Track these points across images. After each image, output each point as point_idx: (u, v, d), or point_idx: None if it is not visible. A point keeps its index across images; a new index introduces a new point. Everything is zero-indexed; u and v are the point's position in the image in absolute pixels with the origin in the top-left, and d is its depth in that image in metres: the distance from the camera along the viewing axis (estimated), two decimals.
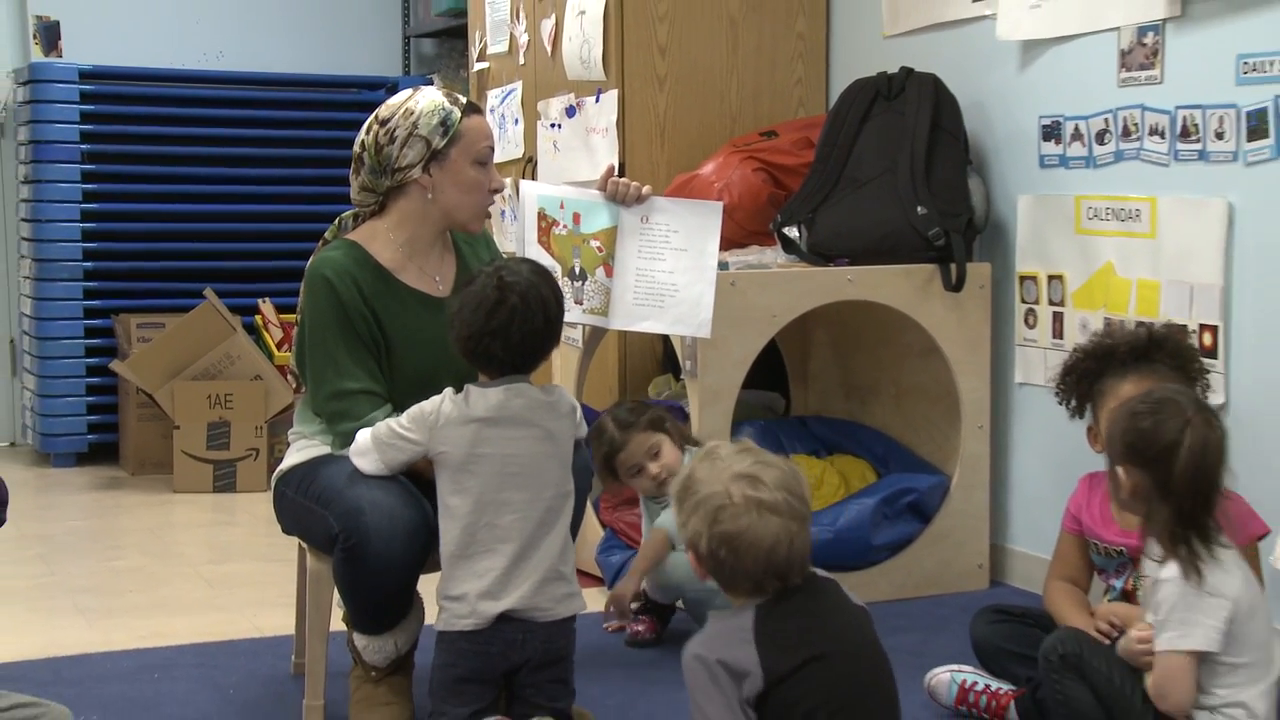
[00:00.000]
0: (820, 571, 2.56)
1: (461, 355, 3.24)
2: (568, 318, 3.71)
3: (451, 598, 3.19)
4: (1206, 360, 3.72)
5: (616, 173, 4.03)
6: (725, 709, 2.39)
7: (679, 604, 4.21)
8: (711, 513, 2.44)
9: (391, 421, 3.30)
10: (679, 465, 3.97)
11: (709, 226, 3.93)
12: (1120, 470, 2.90)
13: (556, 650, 3.23)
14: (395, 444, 3.27)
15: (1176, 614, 2.80)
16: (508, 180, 4.14)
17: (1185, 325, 4.04)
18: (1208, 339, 3.98)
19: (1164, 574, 2.84)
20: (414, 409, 3.27)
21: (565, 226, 3.86)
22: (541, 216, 3.85)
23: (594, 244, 3.87)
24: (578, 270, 3.86)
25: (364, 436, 3.34)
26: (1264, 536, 3.38)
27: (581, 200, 3.90)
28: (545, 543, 3.21)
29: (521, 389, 3.23)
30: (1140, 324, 3.52)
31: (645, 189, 3.90)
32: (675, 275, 3.93)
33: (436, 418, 3.22)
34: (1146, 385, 3.24)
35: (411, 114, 3.50)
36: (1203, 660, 2.80)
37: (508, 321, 3.16)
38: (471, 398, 3.21)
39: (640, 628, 4.17)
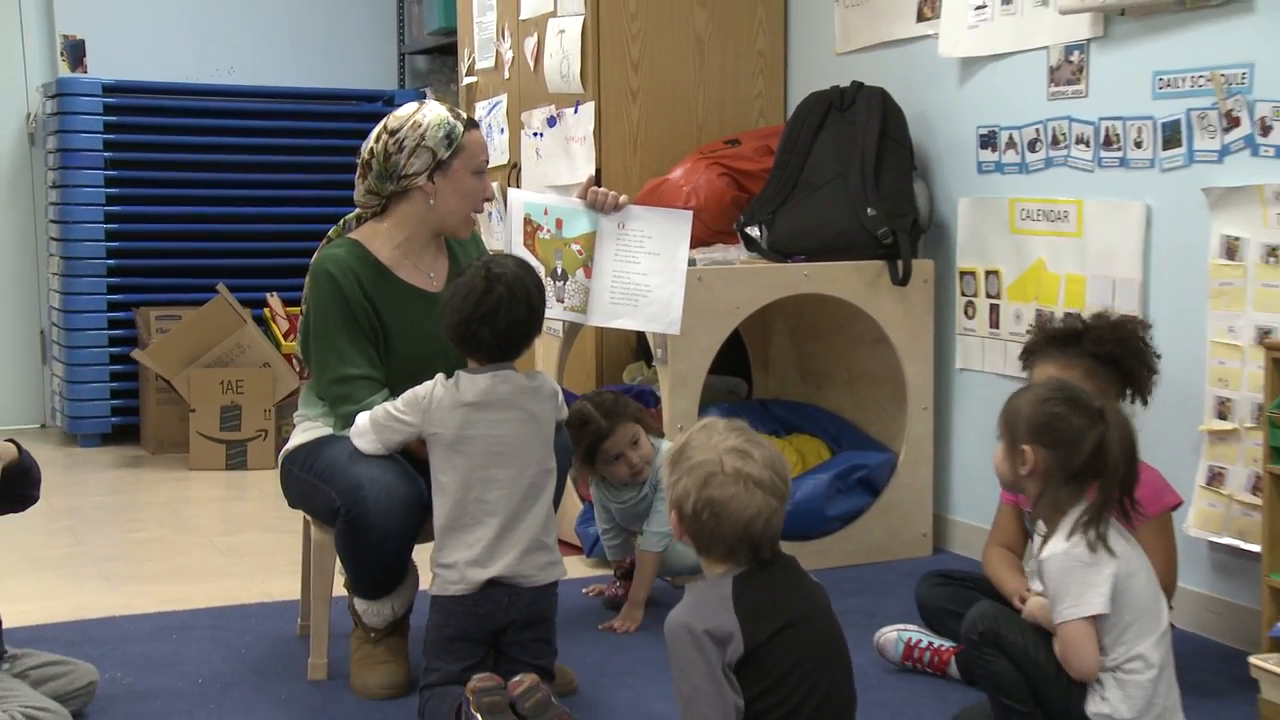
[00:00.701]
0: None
1: (451, 341, 3.24)
2: (550, 314, 3.73)
3: (444, 565, 3.20)
4: None
5: (596, 182, 4.04)
6: (708, 675, 2.38)
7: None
8: (703, 478, 2.43)
9: (388, 405, 3.31)
10: (652, 456, 4.00)
11: (680, 233, 3.93)
12: (1027, 448, 2.86)
13: (540, 612, 3.24)
14: (391, 425, 3.29)
15: (1067, 585, 2.78)
16: (495, 185, 4.15)
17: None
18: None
19: (1051, 549, 2.81)
20: (408, 394, 3.28)
21: (549, 231, 3.86)
22: (527, 221, 3.85)
23: (575, 247, 3.87)
24: (559, 271, 3.86)
25: (363, 419, 3.35)
26: (1177, 507, 3.41)
27: (564, 207, 3.90)
28: (529, 515, 3.22)
29: (507, 375, 3.24)
30: (1098, 315, 3.52)
31: (622, 198, 3.90)
32: (648, 277, 3.93)
33: (429, 402, 3.23)
34: (1067, 373, 3.26)
35: (419, 126, 3.50)
36: (1098, 623, 2.80)
37: (494, 309, 3.16)
38: (461, 383, 3.22)
39: (619, 591, 4.18)
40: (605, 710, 3.29)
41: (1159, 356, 3.44)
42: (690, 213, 4.02)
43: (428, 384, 3.25)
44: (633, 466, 3.98)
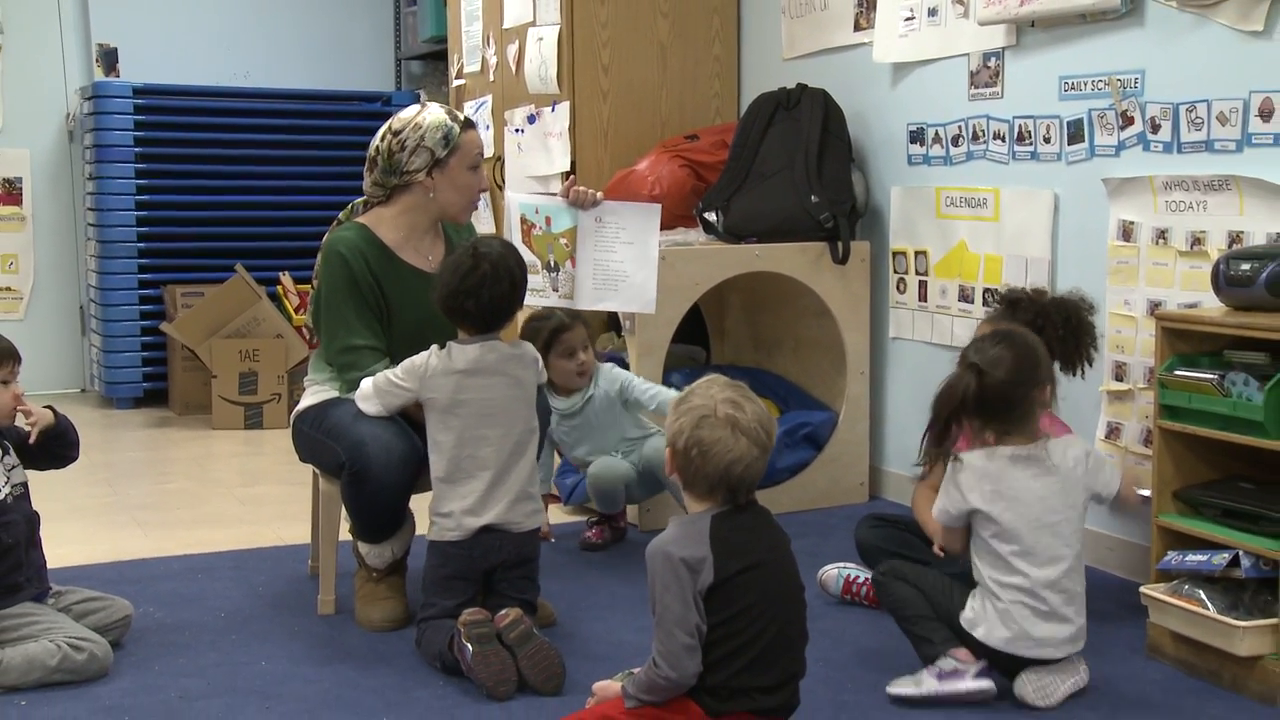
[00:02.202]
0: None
1: (442, 312, 3.25)
2: (545, 302, 3.77)
3: (441, 514, 3.22)
4: None
5: (575, 179, 4.05)
6: (679, 598, 2.40)
7: (624, 513, 4.27)
8: (696, 419, 2.45)
9: (389, 373, 3.32)
10: (594, 367, 4.07)
11: (650, 225, 3.95)
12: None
13: (525, 554, 3.26)
14: (392, 391, 3.30)
15: (948, 486, 2.95)
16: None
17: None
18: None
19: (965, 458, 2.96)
20: (406, 362, 3.28)
21: (540, 228, 3.87)
22: (523, 220, 3.85)
23: (562, 241, 3.88)
24: (552, 264, 3.86)
25: (366, 385, 3.35)
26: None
27: (550, 205, 3.89)
28: (516, 469, 3.23)
29: (494, 345, 3.24)
30: (1036, 290, 3.55)
31: (599, 195, 3.92)
32: (625, 264, 3.93)
33: (425, 369, 3.24)
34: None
35: (420, 128, 3.50)
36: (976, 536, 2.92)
37: (479, 284, 3.17)
38: (454, 353, 3.23)
39: (591, 534, 4.21)
40: (581, 640, 3.31)
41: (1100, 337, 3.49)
42: (659, 206, 4.04)
43: (423, 354, 3.26)
44: (581, 365, 4.02)
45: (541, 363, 3.40)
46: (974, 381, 2.87)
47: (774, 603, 2.47)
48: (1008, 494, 2.88)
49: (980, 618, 2.89)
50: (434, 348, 3.26)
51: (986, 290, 4.21)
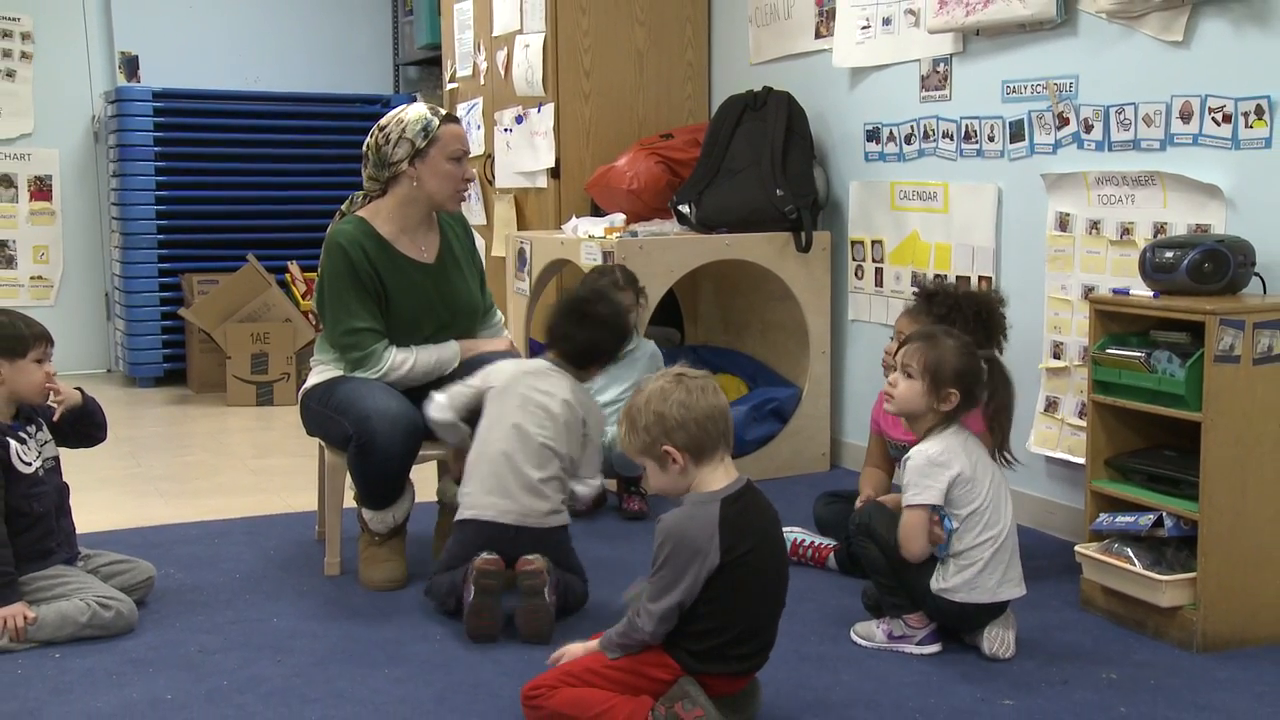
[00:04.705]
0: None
1: (543, 337, 3.31)
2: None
3: (466, 493, 3.18)
4: None
5: (555, 171, 4.01)
6: (681, 575, 2.36)
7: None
8: (659, 403, 2.42)
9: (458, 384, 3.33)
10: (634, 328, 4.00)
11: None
12: (953, 391, 2.87)
13: (549, 549, 3.12)
14: (461, 391, 3.30)
15: (914, 478, 2.86)
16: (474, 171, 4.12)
17: (970, 278, 4.12)
18: (984, 286, 4.04)
19: (915, 450, 2.90)
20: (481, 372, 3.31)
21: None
22: None
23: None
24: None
25: (441, 398, 3.30)
26: None
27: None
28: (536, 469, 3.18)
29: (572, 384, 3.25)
30: (951, 284, 3.53)
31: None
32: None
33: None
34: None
35: (402, 123, 3.49)
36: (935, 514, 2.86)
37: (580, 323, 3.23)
38: (537, 366, 3.28)
39: (634, 505, 4.15)
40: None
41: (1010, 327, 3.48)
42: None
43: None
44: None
45: (604, 423, 3.36)
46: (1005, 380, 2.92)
47: (765, 583, 2.44)
48: (973, 455, 2.90)
49: (961, 584, 2.86)
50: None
51: (936, 276, 4.23)
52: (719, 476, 2.44)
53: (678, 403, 2.41)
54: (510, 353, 3.65)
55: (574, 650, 2.55)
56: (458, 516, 3.18)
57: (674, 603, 2.38)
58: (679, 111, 5.44)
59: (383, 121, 3.53)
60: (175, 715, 2.62)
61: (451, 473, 3.49)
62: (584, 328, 3.24)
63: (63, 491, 3.19)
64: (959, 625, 2.94)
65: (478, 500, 3.12)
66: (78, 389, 3.22)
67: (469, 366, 3.51)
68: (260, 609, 3.28)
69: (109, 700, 2.70)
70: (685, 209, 4.75)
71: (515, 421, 3.14)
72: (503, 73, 5.56)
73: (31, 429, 3.12)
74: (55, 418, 3.16)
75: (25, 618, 2.95)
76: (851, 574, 3.44)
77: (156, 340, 6.93)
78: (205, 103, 7.08)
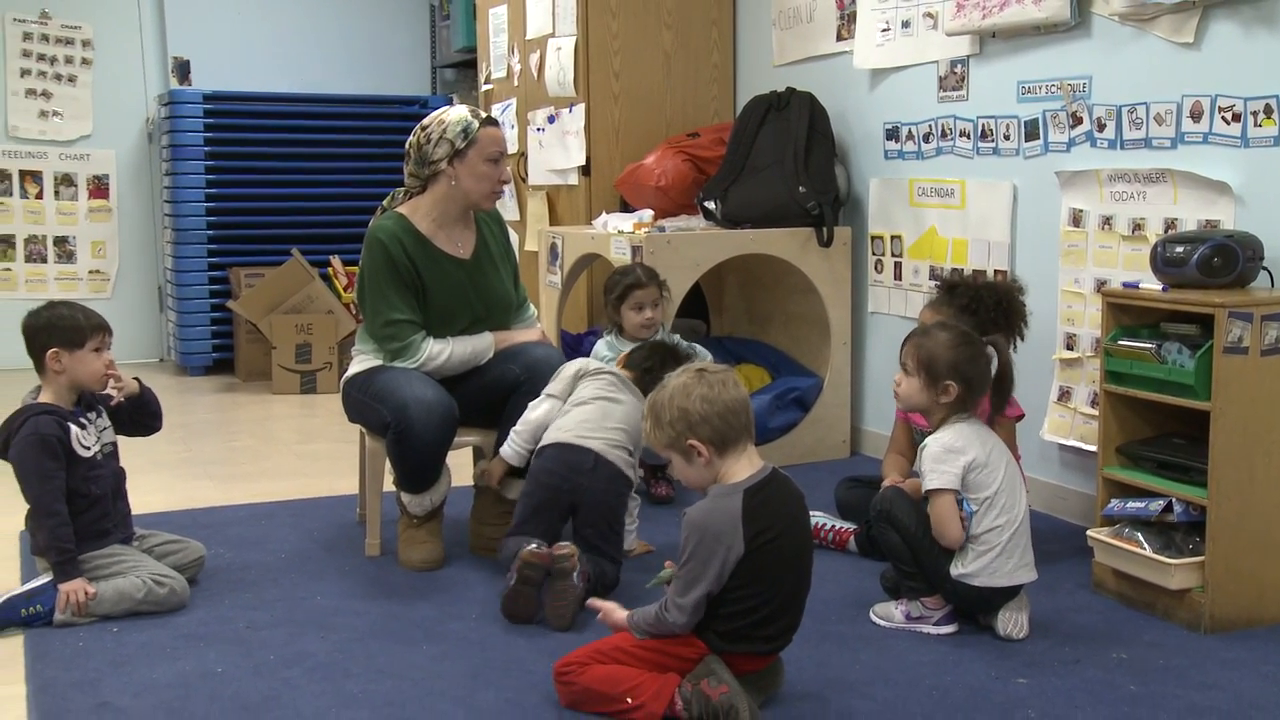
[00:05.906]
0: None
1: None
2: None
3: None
4: None
5: (586, 169, 4.01)
6: (709, 566, 2.35)
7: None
8: (683, 397, 2.42)
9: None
10: (660, 322, 4.05)
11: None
12: (951, 383, 2.87)
13: (610, 498, 3.21)
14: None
15: (931, 464, 2.86)
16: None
17: (986, 270, 4.10)
18: (1001, 279, 4.02)
19: (930, 439, 2.90)
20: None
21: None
22: None
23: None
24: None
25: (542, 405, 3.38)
26: (1020, 418, 3.41)
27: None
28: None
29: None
30: (971, 275, 3.50)
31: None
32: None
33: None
34: (938, 318, 3.23)
35: (444, 124, 3.49)
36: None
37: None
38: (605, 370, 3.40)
39: (661, 491, 4.15)
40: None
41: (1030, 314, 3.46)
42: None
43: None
44: (648, 320, 4.00)
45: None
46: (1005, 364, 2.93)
47: (791, 567, 2.43)
48: (987, 442, 2.90)
49: (979, 569, 2.85)
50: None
51: (953, 270, 4.22)
52: (743, 467, 2.44)
53: (700, 397, 2.41)
54: (542, 343, 3.66)
55: (611, 610, 2.56)
56: (542, 443, 3.25)
57: (702, 594, 2.38)
58: (705, 111, 5.43)
59: (426, 121, 3.53)
60: (225, 687, 2.64)
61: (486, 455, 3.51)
62: (664, 371, 3.12)
63: (119, 475, 3.22)
64: (976, 608, 2.94)
65: (565, 426, 3.22)
66: (135, 379, 3.25)
67: (503, 357, 3.53)
68: (305, 588, 3.30)
69: (164, 672, 2.72)
70: (711, 205, 4.75)
71: (606, 396, 3.29)
72: (536, 74, 5.57)
73: (91, 415, 3.15)
74: (113, 403, 3.19)
75: (86, 593, 2.99)
76: (871, 557, 3.43)
77: (206, 331, 6.98)
78: (253, 104, 7.11)
